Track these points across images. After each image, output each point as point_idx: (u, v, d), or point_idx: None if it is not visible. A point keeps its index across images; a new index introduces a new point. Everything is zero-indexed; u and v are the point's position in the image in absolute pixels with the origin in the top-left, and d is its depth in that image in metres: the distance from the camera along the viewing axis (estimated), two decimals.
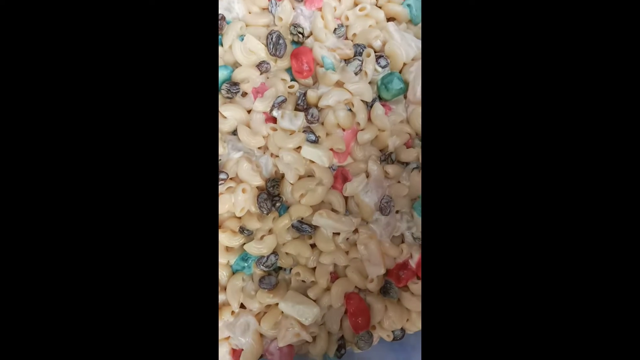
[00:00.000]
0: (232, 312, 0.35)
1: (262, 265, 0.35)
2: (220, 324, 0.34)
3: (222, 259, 0.35)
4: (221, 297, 0.35)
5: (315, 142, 0.35)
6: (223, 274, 0.36)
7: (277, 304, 0.34)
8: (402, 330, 0.37)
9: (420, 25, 0.39)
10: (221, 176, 0.35)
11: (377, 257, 0.35)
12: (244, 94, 0.36)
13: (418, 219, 0.36)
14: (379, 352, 0.37)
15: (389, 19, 0.39)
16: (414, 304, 0.36)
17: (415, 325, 0.37)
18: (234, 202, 0.35)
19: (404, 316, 0.36)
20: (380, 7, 0.38)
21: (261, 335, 0.35)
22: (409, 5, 0.38)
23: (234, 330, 0.34)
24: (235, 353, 0.36)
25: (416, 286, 0.36)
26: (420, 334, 0.38)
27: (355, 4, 0.38)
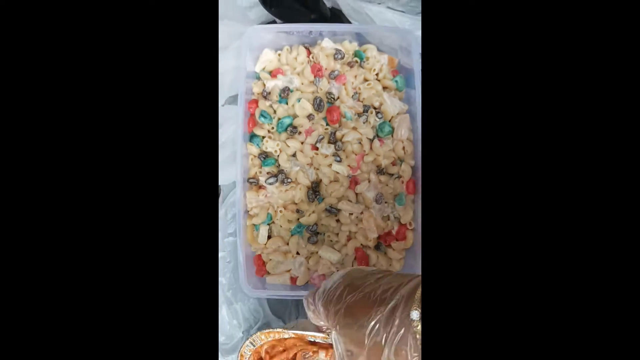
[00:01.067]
0: (292, 256, 0.61)
1: (309, 230, 0.61)
2: (286, 261, 0.61)
3: (287, 226, 0.62)
4: (285, 247, 0.62)
5: (339, 161, 0.60)
6: (286, 236, 0.62)
7: (317, 252, 0.60)
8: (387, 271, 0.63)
9: (402, 91, 0.64)
10: (288, 180, 0.61)
11: (373, 228, 0.60)
12: (300, 133, 0.61)
13: (397, 206, 0.62)
14: None
15: (384, 88, 0.64)
16: (394, 255, 0.62)
17: (394, 268, 0.62)
18: (294, 194, 0.61)
19: (388, 262, 0.62)
20: (379, 81, 0.64)
21: (308, 269, 0.61)
22: (396, 81, 0.64)
23: (294, 266, 0.61)
24: (293, 280, 0.62)
25: (395, 244, 0.61)
26: (398, 272, 0.63)
27: (365, 80, 0.63)
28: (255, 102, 0.63)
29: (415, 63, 0.59)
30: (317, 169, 0.61)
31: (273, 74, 0.64)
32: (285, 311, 0.67)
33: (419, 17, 0.67)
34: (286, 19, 0.64)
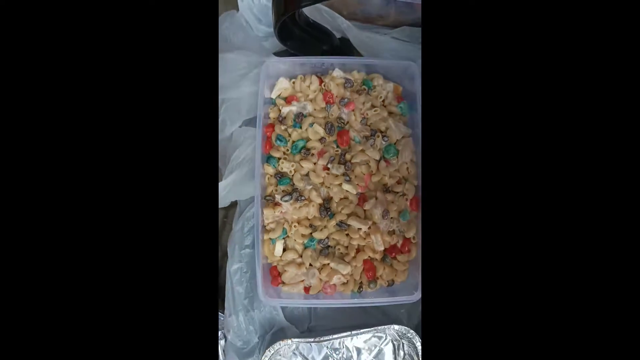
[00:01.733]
0: (306, 267, 0.66)
1: (321, 244, 0.66)
2: (300, 272, 0.66)
3: (300, 240, 0.67)
4: (299, 260, 0.67)
5: (349, 181, 0.63)
6: (300, 249, 0.67)
7: (328, 263, 0.62)
8: (392, 280, 0.67)
9: (406, 117, 0.70)
10: (301, 198, 0.66)
11: (380, 241, 0.64)
12: (312, 154, 0.64)
13: (402, 222, 0.67)
14: (380, 292, 0.64)
15: (390, 114, 0.70)
16: (399, 266, 0.67)
17: (399, 278, 0.67)
18: (307, 211, 0.66)
19: (394, 273, 0.64)
20: (385, 107, 0.69)
21: (320, 279, 0.66)
22: (400, 107, 0.69)
23: (307, 277, 0.66)
24: (306, 289, 0.66)
25: (400, 257, 0.67)
26: (403, 283, 0.69)
27: (372, 107, 0.67)
28: (272, 126, 0.68)
29: (417, 90, 0.65)
30: (329, 188, 0.64)
31: (288, 100, 0.69)
32: (298, 319, 0.73)
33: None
34: (299, 51, 0.69)
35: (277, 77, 0.69)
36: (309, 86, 0.68)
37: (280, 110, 0.68)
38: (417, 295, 0.62)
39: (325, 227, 0.64)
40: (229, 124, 0.69)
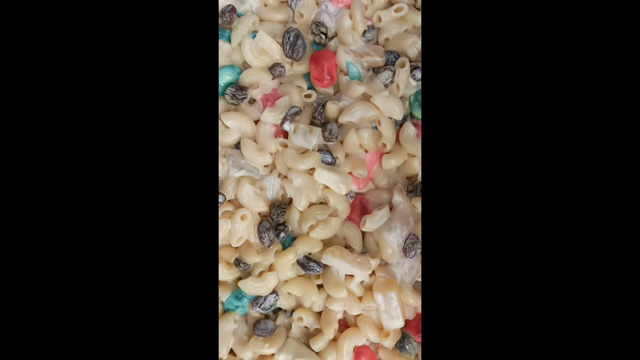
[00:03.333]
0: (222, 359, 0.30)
1: (259, 306, 0.31)
2: None
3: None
4: None
5: (332, 164, 0.32)
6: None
7: (273, 355, 0.30)
8: None
9: None
10: (220, 198, 0.30)
11: (396, 307, 0.30)
12: (252, 101, 0.34)
13: None
14: None
15: None
16: None
17: None
18: (230, 229, 0.32)
19: None
20: (419, 9, 0.34)
21: None
22: None
23: None
24: None
25: None
26: None
27: (391, 3, 0.34)
28: None
29: None
30: (285, 178, 0.34)
31: None
32: None
33: None
34: None
35: None
36: None
37: None
38: None
39: (270, 268, 0.34)
40: None
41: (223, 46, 0.34)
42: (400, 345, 0.33)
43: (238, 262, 0.31)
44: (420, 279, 0.33)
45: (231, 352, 0.32)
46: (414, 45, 0.34)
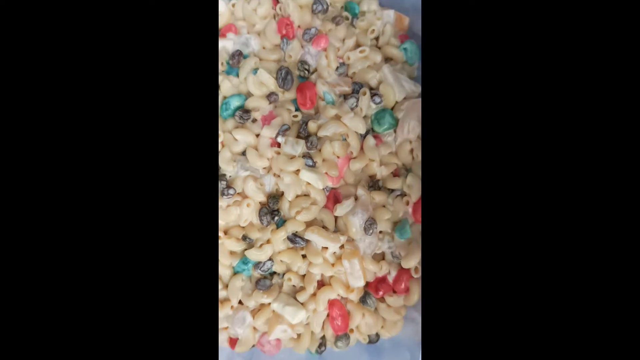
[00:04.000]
0: (232, 307, 0.41)
1: (260, 269, 0.41)
2: (221, 315, 0.40)
3: (226, 261, 0.41)
4: (222, 293, 0.41)
5: (312, 166, 0.41)
6: (226, 274, 0.42)
7: (269, 304, 0.40)
8: (377, 335, 0.42)
9: (415, 65, 0.43)
10: (230, 191, 0.40)
11: (358, 271, 0.40)
12: (254, 121, 0.42)
13: (398, 240, 0.40)
14: (355, 352, 0.42)
15: (386, 60, 0.43)
16: (390, 314, 0.41)
17: (389, 332, 0.42)
18: (239, 214, 0.41)
19: (379, 323, 0.41)
20: (379, 48, 0.43)
21: (255, 328, 0.41)
22: (405, 49, 0.43)
23: (232, 323, 0.40)
24: (232, 341, 0.42)
25: (392, 298, 0.41)
26: (394, 339, 0.43)
27: (357, 46, 0.43)
28: None
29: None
30: (278, 176, 0.42)
31: (222, 32, 0.44)
32: None
33: None
34: None
35: None
36: (255, 10, 0.43)
37: None
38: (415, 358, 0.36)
39: (267, 242, 0.42)
40: None
41: (233, 80, 0.43)
42: (363, 300, 0.42)
43: (245, 238, 0.42)
44: (378, 251, 0.43)
45: (240, 302, 0.43)
46: (374, 78, 0.42)
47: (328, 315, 0.41)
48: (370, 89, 0.42)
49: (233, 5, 0.44)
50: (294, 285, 0.41)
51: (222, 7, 0.45)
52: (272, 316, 0.40)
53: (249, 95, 0.43)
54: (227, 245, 0.41)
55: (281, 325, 0.39)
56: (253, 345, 0.42)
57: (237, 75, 0.43)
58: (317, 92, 0.42)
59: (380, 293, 0.41)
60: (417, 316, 0.41)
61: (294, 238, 0.40)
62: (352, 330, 0.41)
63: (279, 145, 0.41)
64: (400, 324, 0.42)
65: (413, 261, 0.39)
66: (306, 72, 0.42)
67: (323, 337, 0.41)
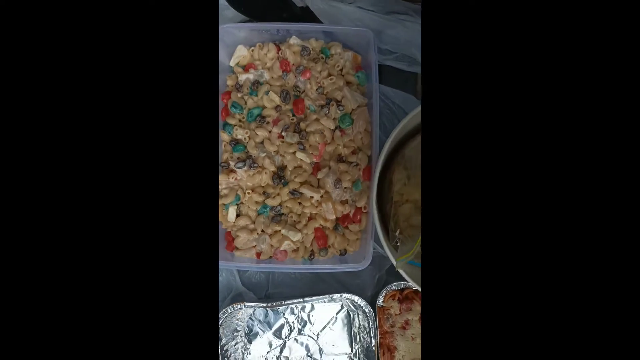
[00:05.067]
0: (257, 233, 0.67)
1: (274, 211, 0.67)
2: (252, 238, 0.67)
3: (253, 207, 0.68)
4: (251, 226, 0.68)
5: (303, 150, 0.64)
6: (253, 215, 0.68)
7: (280, 230, 0.64)
8: (345, 250, 0.68)
9: (364, 87, 0.69)
10: (254, 165, 0.67)
11: (332, 210, 0.64)
12: (268, 123, 0.65)
13: (354, 191, 0.67)
14: (332, 260, 0.66)
15: (348, 83, 0.69)
16: (351, 236, 0.67)
17: (352, 247, 0.68)
18: (260, 178, 0.66)
19: (345, 242, 0.65)
20: (342, 76, 0.68)
21: (271, 245, 0.67)
22: (358, 76, 0.68)
23: (258, 242, 0.67)
24: (258, 255, 0.68)
25: (352, 226, 0.67)
26: (356, 252, 0.69)
27: (329, 75, 0.67)
28: (229, 93, 0.69)
29: (373, 60, 0.64)
30: (283, 156, 0.65)
31: (246, 68, 0.69)
32: (256, 285, 0.74)
33: (389, 16, 0.71)
34: (259, 18, 0.69)
35: (236, 45, 0.69)
36: (266, 54, 0.68)
37: (237, 78, 0.69)
38: (365, 263, 0.63)
39: (278, 194, 0.65)
40: None
41: (254, 98, 0.67)
42: (335, 228, 0.67)
43: (264, 192, 0.69)
44: (343, 199, 0.69)
45: (262, 231, 0.70)
46: (339, 95, 0.66)
47: (315, 237, 0.64)
48: (337, 101, 0.65)
49: (252, 51, 0.70)
50: (294, 220, 0.65)
51: (245, 51, 0.70)
52: (281, 237, 0.64)
53: (264, 107, 0.66)
54: (253, 198, 0.67)
55: (287, 242, 0.66)
56: (270, 257, 0.69)
57: (256, 95, 0.66)
58: (305, 104, 0.65)
59: (346, 223, 0.65)
60: (366, 238, 0.66)
61: (293, 192, 0.63)
62: (329, 247, 0.65)
63: (282, 137, 0.64)
64: (358, 242, 0.68)
65: (362, 202, 0.66)
66: (298, 92, 0.66)
67: (312, 251, 0.66)
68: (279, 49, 0.69)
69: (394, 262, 0.53)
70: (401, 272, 0.54)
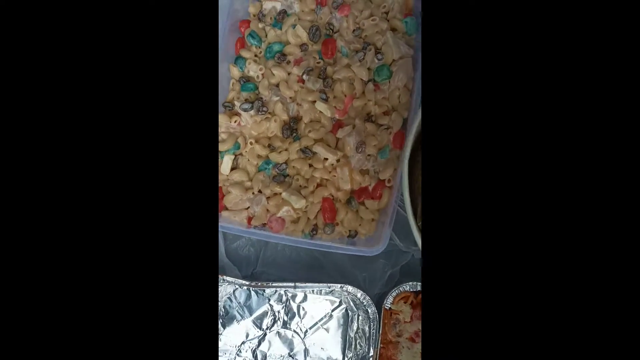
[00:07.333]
0: (253, 193, 0.55)
1: (277, 168, 0.55)
2: (245, 198, 0.55)
3: (254, 160, 0.56)
4: (247, 184, 0.56)
5: (325, 100, 0.54)
6: (252, 170, 0.56)
7: (280, 193, 0.54)
8: (355, 232, 0.56)
9: (412, 37, 0.57)
10: (264, 109, 0.55)
11: (347, 179, 0.53)
12: (288, 62, 0.56)
13: (380, 160, 0.54)
14: (338, 242, 0.55)
15: (392, 30, 0.57)
16: (367, 214, 0.54)
17: (365, 229, 0.55)
18: (268, 126, 0.55)
19: (358, 222, 0.54)
20: (387, 20, 0.56)
21: (267, 210, 0.55)
22: (406, 22, 0.56)
23: (252, 203, 0.55)
24: (249, 219, 0.56)
25: (369, 202, 0.54)
26: (369, 237, 0.56)
27: (370, 16, 0.56)
28: (248, 22, 0.58)
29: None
30: (299, 104, 0.55)
31: None
32: (243, 260, 0.62)
33: None
34: None
35: None
36: None
37: (262, 6, 0.58)
38: (378, 249, 0.50)
39: (286, 150, 0.56)
40: None
41: (277, 31, 0.57)
42: (348, 202, 0.55)
43: (269, 145, 0.56)
44: (364, 168, 0.56)
45: (259, 191, 0.57)
46: (380, 40, 0.55)
47: (321, 208, 0.54)
48: (376, 48, 0.55)
49: None
50: (300, 185, 0.54)
51: None
52: (281, 201, 0.54)
53: (287, 43, 0.56)
54: (256, 149, 0.56)
55: (286, 207, 0.54)
56: (264, 224, 0.56)
57: (280, 28, 0.57)
58: (337, 46, 0.55)
59: (362, 198, 0.54)
60: (385, 219, 0.54)
61: (305, 150, 0.53)
62: (337, 224, 0.54)
63: (303, 81, 0.55)
64: (373, 225, 0.55)
65: (387, 174, 0.53)
66: (331, 31, 0.56)
67: (315, 225, 0.55)
68: None
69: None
70: None
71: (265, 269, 0.62)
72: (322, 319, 0.58)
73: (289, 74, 0.56)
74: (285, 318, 0.58)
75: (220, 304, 0.59)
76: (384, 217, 0.53)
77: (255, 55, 0.57)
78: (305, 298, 0.58)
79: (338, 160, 0.54)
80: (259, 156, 0.56)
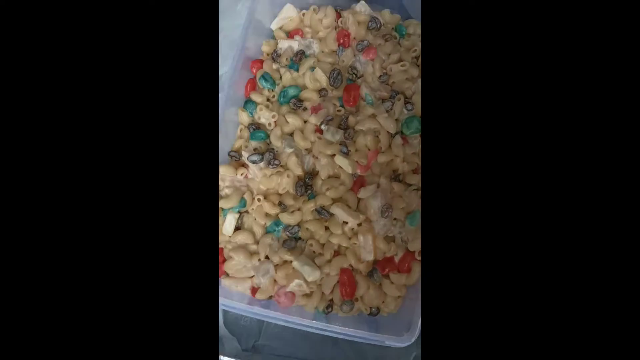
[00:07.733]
0: (259, 259, 0.48)
1: (288, 231, 0.48)
2: (249, 265, 0.47)
3: (261, 220, 0.48)
4: (253, 247, 0.48)
5: (346, 153, 0.48)
6: (259, 232, 0.49)
7: (291, 261, 0.46)
8: (377, 309, 0.48)
9: None
10: (275, 162, 0.48)
11: (370, 247, 0.46)
12: (305, 109, 0.50)
13: (409, 227, 0.46)
14: (356, 320, 0.48)
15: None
16: (391, 290, 0.46)
17: (388, 307, 0.47)
18: (279, 182, 0.48)
19: (381, 298, 0.47)
20: (418, 66, 0.50)
21: (275, 281, 0.47)
22: None
23: (257, 272, 0.47)
24: (254, 290, 0.48)
25: (395, 276, 0.46)
26: (392, 316, 0.48)
27: (399, 61, 0.50)
28: (261, 62, 0.52)
29: None
30: (316, 158, 0.49)
31: (291, 34, 0.53)
32: (245, 331, 0.53)
33: None
34: None
35: (284, 3, 0.52)
36: (321, 20, 0.52)
37: (277, 45, 0.51)
38: (409, 339, 0.41)
39: (299, 209, 0.49)
40: (221, 61, 0.55)
41: (293, 73, 0.51)
42: (370, 274, 0.47)
43: (280, 203, 0.49)
44: (390, 234, 0.49)
45: (267, 257, 0.50)
46: (409, 88, 0.49)
47: (338, 281, 0.46)
48: (405, 97, 0.49)
49: (303, 14, 0.54)
50: (314, 251, 0.48)
51: (293, 13, 0.54)
52: (291, 272, 0.46)
53: (304, 87, 0.51)
54: (265, 207, 0.48)
55: (298, 280, 0.46)
56: (271, 297, 0.48)
57: (297, 70, 0.51)
58: (360, 93, 0.49)
59: (386, 270, 0.46)
60: (416, 297, 0.46)
61: (320, 210, 0.47)
62: (356, 299, 0.47)
63: (321, 132, 0.49)
64: (399, 301, 0.47)
65: (417, 245, 0.45)
66: (354, 75, 0.50)
67: (331, 300, 0.47)
68: (339, 15, 0.52)
69: None
70: None
71: (269, 342, 0.53)
72: None
73: (305, 122, 0.50)
74: None
75: None
76: (414, 294, 0.45)
77: (268, 100, 0.51)
78: None
79: (359, 225, 0.47)
80: (267, 215, 0.48)
